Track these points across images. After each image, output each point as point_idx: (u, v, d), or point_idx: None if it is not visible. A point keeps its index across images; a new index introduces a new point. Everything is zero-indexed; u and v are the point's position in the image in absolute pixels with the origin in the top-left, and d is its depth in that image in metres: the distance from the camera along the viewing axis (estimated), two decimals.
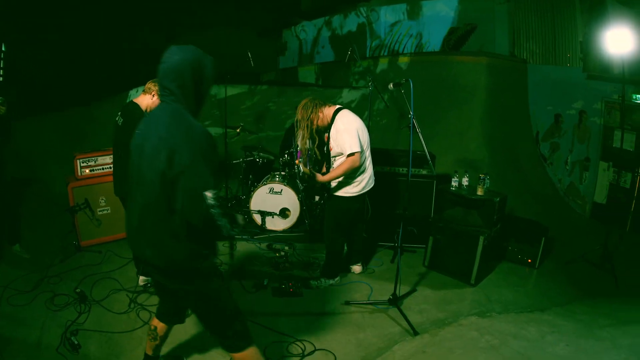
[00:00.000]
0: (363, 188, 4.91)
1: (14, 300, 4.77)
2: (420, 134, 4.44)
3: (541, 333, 4.24)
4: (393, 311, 4.70)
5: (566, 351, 3.91)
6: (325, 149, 4.98)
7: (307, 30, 15.03)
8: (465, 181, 5.69)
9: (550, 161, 8.10)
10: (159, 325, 3.44)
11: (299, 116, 4.85)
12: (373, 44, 11.75)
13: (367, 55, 11.18)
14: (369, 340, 4.30)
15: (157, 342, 3.51)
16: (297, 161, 4.99)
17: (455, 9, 9.69)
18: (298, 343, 4.15)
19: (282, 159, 6.92)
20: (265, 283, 5.16)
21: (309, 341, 4.18)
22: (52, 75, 9.90)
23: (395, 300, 4.69)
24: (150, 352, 3.55)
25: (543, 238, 5.76)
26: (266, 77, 15.16)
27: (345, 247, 5.46)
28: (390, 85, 4.64)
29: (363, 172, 4.86)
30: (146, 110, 4.51)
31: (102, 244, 6.14)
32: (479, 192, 5.44)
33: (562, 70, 7.97)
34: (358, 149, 4.61)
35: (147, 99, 4.54)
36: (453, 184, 5.66)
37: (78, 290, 4.78)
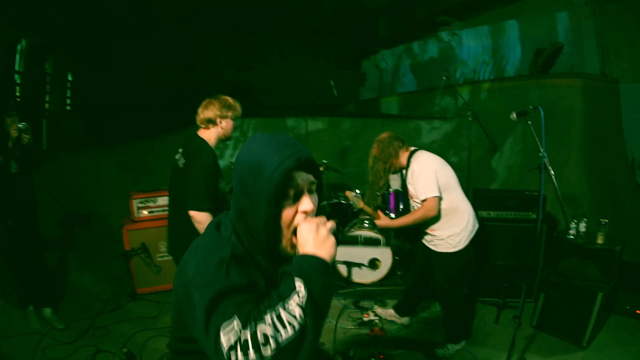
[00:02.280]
0: (470, 233, 4.00)
1: (51, 352, 4.10)
2: (553, 177, 3.41)
3: None
4: None
5: None
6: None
7: (386, 59, 14.38)
8: (583, 227, 4.56)
9: None
10: None
11: (375, 152, 4.05)
12: (457, 70, 10.70)
13: (452, 83, 10.12)
14: None
15: None
16: (347, 192, 4.22)
17: (539, 28, 8.61)
18: None
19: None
20: (351, 354, 4.08)
21: None
22: (118, 106, 9.57)
23: None
24: None
25: None
26: (347, 109, 14.48)
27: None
28: (514, 115, 3.68)
29: (467, 216, 3.97)
30: (217, 143, 3.50)
31: (161, 292, 5.30)
32: (599, 240, 4.32)
33: None
34: (434, 194, 3.76)
35: (213, 132, 3.47)
36: (571, 231, 4.53)
37: (125, 349, 3.97)
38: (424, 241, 4.20)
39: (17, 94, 8.80)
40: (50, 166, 4.55)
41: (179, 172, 3.41)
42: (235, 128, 3.58)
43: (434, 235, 4.02)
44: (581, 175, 6.50)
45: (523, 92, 7.40)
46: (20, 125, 4.15)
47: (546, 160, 3.43)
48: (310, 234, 1.40)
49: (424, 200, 3.78)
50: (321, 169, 5.91)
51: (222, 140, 3.54)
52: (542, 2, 8.44)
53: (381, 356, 4.03)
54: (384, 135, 4.07)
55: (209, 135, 3.45)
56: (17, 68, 8.82)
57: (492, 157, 7.27)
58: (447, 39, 11.05)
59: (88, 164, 7.64)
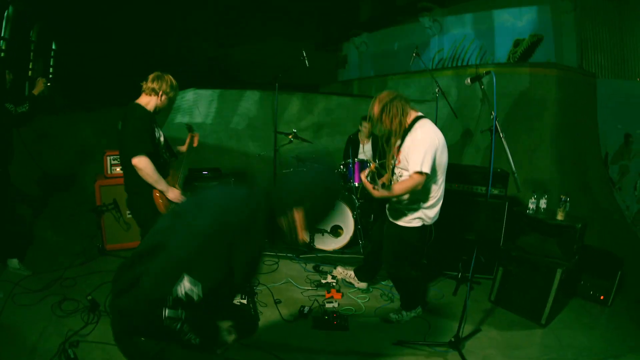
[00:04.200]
0: (430, 219, 3.88)
1: (20, 299, 4.21)
2: (503, 139, 3.42)
3: None
4: (453, 356, 3.67)
5: None
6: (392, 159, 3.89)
7: (367, 42, 14.23)
8: (543, 204, 4.59)
9: (618, 186, 6.99)
10: None
11: (376, 111, 3.73)
12: (436, 56, 10.75)
13: (431, 67, 10.14)
14: None
15: None
16: (371, 168, 3.62)
17: (520, 19, 8.63)
18: None
19: (338, 170, 5.75)
20: (305, 312, 4.16)
21: None
22: (96, 73, 9.58)
23: (458, 343, 3.64)
24: None
25: (619, 272, 4.69)
26: (325, 89, 14.43)
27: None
28: (468, 80, 3.60)
29: (435, 202, 3.83)
30: (154, 110, 3.81)
31: (129, 249, 5.29)
32: (560, 216, 4.35)
33: (633, 85, 6.94)
34: (427, 170, 3.53)
35: (153, 100, 3.80)
36: (530, 206, 4.57)
37: (89, 297, 4.04)
38: (386, 206, 4.09)
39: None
40: (29, 127, 4.70)
41: (119, 135, 3.73)
42: (166, 106, 3.92)
43: (394, 201, 3.90)
44: (552, 161, 6.57)
45: (498, 79, 7.39)
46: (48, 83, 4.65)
47: (497, 123, 3.41)
48: None
49: (417, 172, 3.53)
50: (290, 137, 5.94)
51: (156, 112, 3.83)
52: None
53: (334, 314, 4.10)
54: (388, 93, 3.75)
55: (147, 100, 3.77)
56: (2, 34, 8.85)
57: (464, 140, 7.32)
58: (428, 25, 11.05)
59: (66, 127, 7.62)
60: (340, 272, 4.97)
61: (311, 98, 8.49)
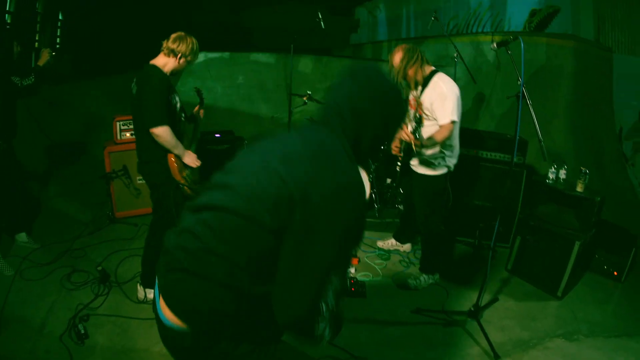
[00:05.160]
0: (454, 166, 4.01)
1: (28, 273, 4.15)
2: (531, 107, 3.35)
3: None
4: (471, 325, 3.64)
5: None
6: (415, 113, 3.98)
7: (381, 7, 14.02)
8: (562, 174, 4.50)
9: (631, 162, 6.86)
10: None
11: (397, 58, 3.85)
12: (451, 22, 10.53)
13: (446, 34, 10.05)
14: None
15: None
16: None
17: None
18: None
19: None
20: None
21: None
22: (104, 42, 9.43)
23: (477, 313, 3.58)
24: None
25: (633, 249, 4.57)
26: (338, 53, 14.31)
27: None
28: (494, 45, 3.53)
29: (457, 150, 3.98)
30: (171, 72, 3.61)
31: (139, 216, 5.27)
32: (579, 188, 4.25)
33: None
34: (457, 119, 3.72)
35: (171, 62, 3.57)
36: (550, 176, 4.49)
37: (99, 268, 4.02)
38: (411, 163, 4.15)
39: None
40: (37, 97, 4.58)
41: (134, 99, 3.53)
42: (183, 69, 3.73)
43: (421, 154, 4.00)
44: (566, 133, 6.52)
45: (513, 48, 7.27)
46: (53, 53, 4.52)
47: (524, 89, 3.33)
48: None
49: (451, 122, 3.68)
50: (304, 99, 5.86)
51: (172, 74, 3.65)
52: None
53: (352, 280, 4.04)
54: (406, 45, 3.90)
55: (165, 62, 3.55)
56: (8, 8, 8.69)
57: (479, 107, 7.27)
58: None
59: (74, 95, 7.53)
60: (382, 245, 5.02)
61: (325, 61, 8.43)
